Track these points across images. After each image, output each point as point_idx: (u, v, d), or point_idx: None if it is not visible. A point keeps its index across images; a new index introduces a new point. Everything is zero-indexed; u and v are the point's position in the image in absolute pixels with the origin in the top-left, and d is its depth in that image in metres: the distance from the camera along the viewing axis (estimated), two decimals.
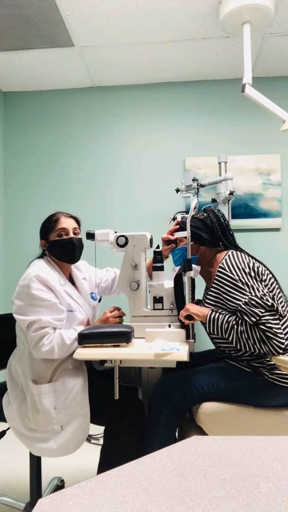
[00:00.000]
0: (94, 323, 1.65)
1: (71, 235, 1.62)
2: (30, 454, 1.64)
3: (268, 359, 1.46)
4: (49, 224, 1.64)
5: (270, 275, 1.55)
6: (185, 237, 1.60)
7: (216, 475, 0.67)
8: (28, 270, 1.53)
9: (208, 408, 1.45)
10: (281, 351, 1.35)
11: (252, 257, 1.57)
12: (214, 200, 2.85)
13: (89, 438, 2.50)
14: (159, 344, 1.42)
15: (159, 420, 1.46)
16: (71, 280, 1.72)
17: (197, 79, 3.07)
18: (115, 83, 3.10)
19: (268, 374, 1.46)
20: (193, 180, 2.74)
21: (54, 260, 1.64)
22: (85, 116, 3.16)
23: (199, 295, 1.84)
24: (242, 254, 1.56)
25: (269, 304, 1.35)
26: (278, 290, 1.55)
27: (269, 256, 2.89)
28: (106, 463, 1.54)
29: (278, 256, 2.96)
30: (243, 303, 1.39)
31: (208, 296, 1.57)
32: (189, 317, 1.48)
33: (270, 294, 1.43)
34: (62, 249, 1.61)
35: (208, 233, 1.63)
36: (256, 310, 1.35)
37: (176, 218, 2.47)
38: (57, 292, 1.51)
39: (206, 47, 2.63)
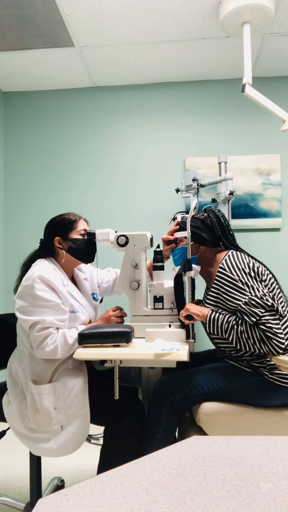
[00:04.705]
0: (96, 322, 1.65)
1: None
2: (30, 454, 1.63)
3: (268, 359, 1.46)
4: (71, 223, 1.65)
5: (270, 275, 1.55)
6: (185, 237, 1.60)
7: (216, 475, 0.67)
8: (31, 270, 1.53)
9: (208, 408, 1.45)
10: (281, 351, 1.35)
11: (252, 257, 1.57)
12: (214, 200, 2.85)
13: (89, 438, 2.50)
14: (159, 344, 1.42)
15: (159, 420, 1.46)
16: (73, 280, 1.72)
17: (197, 79, 3.07)
18: (115, 83, 3.10)
19: (268, 374, 1.46)
20: (193, 180, 2.73)
21: (58, 260, 1.64)
22: (85, 116, 3.16)
23: (199, 295, 1.84)
24: (242, 254, 1.56)
25: (269, 304, 1.35)
26: (278, 290, 1.55)
27: (269, 256, 2.89)
28: (106, 463, 1.54)
29: (278, 256, 2.96)
30: (243, 303, 1.39)
31: (208, 296, 1.57)
32: (189, 317, 1.48)
33: (270, 294, 1.43)
34: (85, 248, 1.64)
35: (208, 233, 1.63)
36: (256, 310, 1.35)
37: (176, 218, 2.47)
38: (60, 292, 1.51)
39: (206, 47, 2.63)
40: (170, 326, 1.56)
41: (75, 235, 1.63)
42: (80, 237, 1.64)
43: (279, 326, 1.36)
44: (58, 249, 1.63)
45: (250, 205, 2.96)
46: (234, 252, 1.56)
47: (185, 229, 1.65)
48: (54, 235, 1.63)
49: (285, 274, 2.79)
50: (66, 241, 1.62)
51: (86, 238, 1.65)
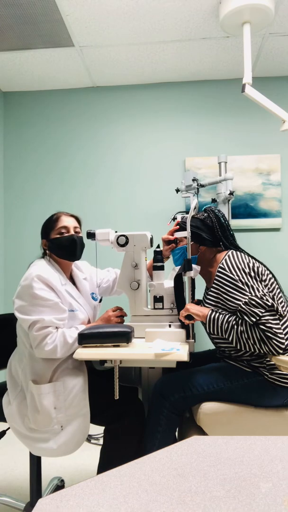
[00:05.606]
0: (96, 322, 1.65)
1: (72, 233, 1.64)
2: (30, 454, 1.63)
3: (268, 359, 1.46)
4: (50, 223, 1.65)
5: (270, 275, 1.55)
6: (185, 237, 1.60)
7: (216, 475, 0.67)
8: (30, 270, 1.53)
9: (208, 408, 1.45)
10: (281, 351, 1.35)
11: (252, 257, 1.57)
12: (214, 200, 2.85)
13: (89, 438, 2.50)
14: (159, 344, 1.42)
15: (159, 420, 1.46)
16: (71, 280, 1.72)
17: (197, 79, 3.07)
18: (115, 83, 3.10)
19: (268, 374, 1.46)
20: (193, 180, 2.73)
21: (55, 259, 1.65)
22: (85, 116, 3.16)
23: (199, 295, 1.84)
24: (242, 254, 1.56)
25: (269, 304, 1.35)
26: (278, 290, 1.55)
27: (269, 256, 2.89)
28: (106, 463, 1.54)
29: (278, 256, 2.96)
30: (243, 303, 1.39)
31: (208, 296, 1.57)
32: (189, 317, 1.48)
33: (270, 294, 1.43)
34: (63, 246, 1.62)
35: (208, 233, 1.63)
36: (256, 310, 1.35)
37: (176, 218, 2.47)
38: (59, 291, 1.52)
39: (206, 47, 2.63)
40: (170, 326, 1.56)
41: (54, 235, 1.63)
42: (58, 236, 1.63)
43: (279, 326, 1.36)
44: (46, 250, 1.65)
45: (250, 205, 2.96)
46: (234, 252, 1.56)
47: (185, 229, 1.65)
48: (42, 238, 1.67)
49: (285, 274, 2.79)
50: (49, 242, 1.64)
51: (64, 235, 1.62)
